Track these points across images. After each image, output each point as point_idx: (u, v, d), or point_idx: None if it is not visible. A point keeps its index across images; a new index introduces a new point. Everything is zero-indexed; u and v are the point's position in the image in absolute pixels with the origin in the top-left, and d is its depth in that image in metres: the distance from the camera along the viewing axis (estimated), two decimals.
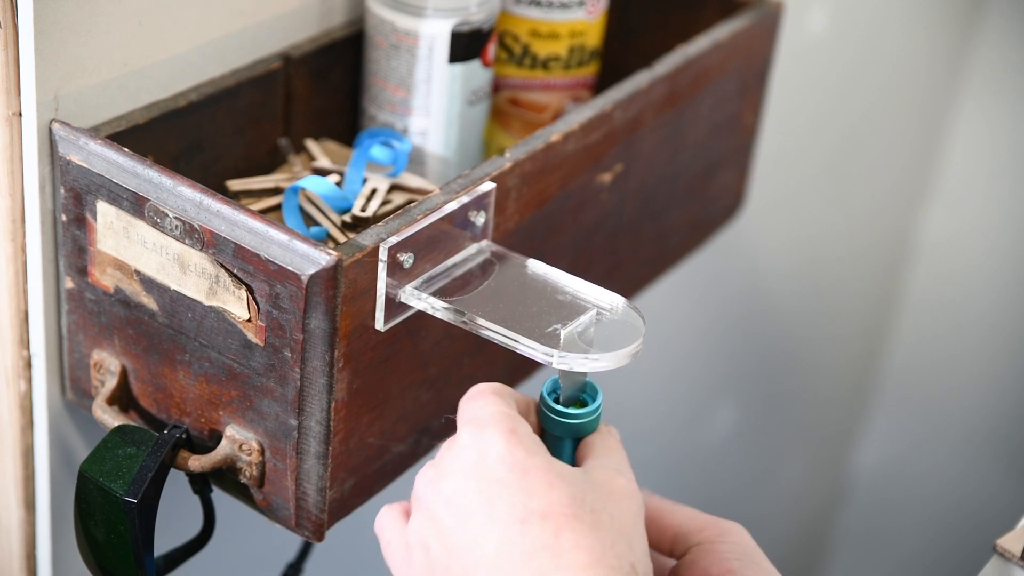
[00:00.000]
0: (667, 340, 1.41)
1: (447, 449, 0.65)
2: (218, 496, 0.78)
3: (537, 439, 0.65)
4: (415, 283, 0.72)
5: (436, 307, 0.71)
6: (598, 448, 0.68)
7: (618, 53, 1.00)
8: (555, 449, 0.69)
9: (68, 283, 0.76)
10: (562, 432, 0.69)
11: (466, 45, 0.84)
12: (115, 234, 0.73)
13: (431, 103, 0.85)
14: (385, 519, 0.67)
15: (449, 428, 0.68)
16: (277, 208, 0.81)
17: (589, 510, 0.62)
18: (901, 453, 2.02)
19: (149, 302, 0.73)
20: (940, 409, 1.97)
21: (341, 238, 0.78)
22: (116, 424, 0.75)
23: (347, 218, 0.79)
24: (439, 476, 0.65)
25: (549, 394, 0.69)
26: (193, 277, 0.70)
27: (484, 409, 0.65)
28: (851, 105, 1.57)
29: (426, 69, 0.84)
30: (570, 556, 0.61)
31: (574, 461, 0.70)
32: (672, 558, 0.74)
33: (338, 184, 0.82)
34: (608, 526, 0.63)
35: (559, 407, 0.69)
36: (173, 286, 0.72)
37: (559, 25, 0.89)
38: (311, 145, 0.86)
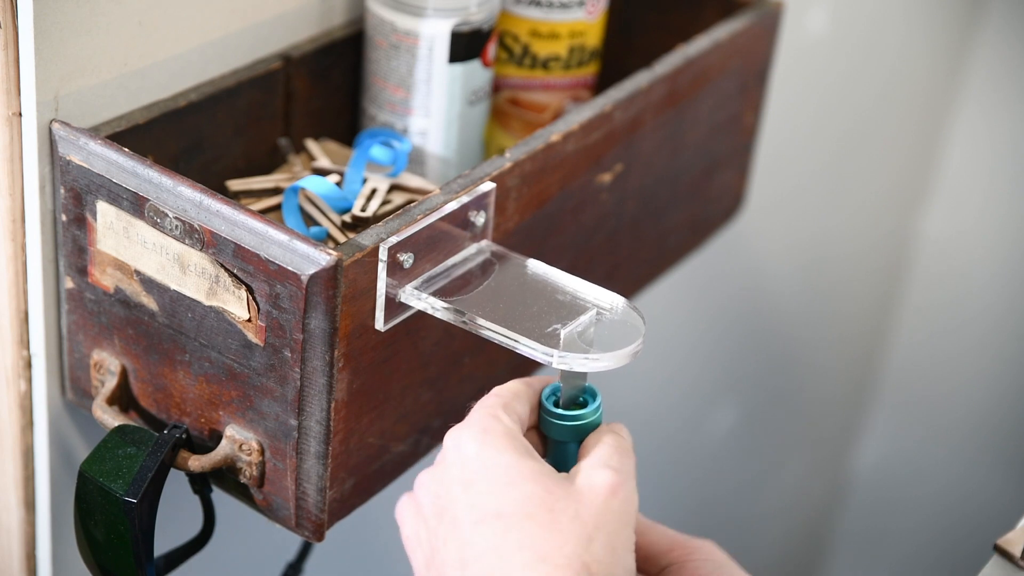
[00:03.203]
0: (667, 340, 1.41)
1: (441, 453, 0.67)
2: (218, 496, 0.78)
3: (516, 437, 0.66)
4: (415, 283, 0.72)
5: (436, 307, 0.71)
6: (592, 443, 0.68)
7: (618, 53, 1.00)
8: (560, 454, 0.69)
9: (68, 283, 0.76)
10: (564, 436, 0.69)
11: (466, 45, 0.84)
12: (115, 234, 0.72)
13: (431, 103, 0.85)
14: (405, 510, 0.68)
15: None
16: (277, 208, 0.81)
17: (547, 510, 0.63)
18: (901, 453, 2.02)
19: (149, 302, 0.73)
20: (940, 409, 1.97)
21: (341, 238, 0.78)
22: (116, 424, 0.75)
23: (347, 218, 0.79)
24: (429, 480, 0.66)
25: (548, 398, 0.70)
26: (193, 277, 0.70)
27: (474, 412, 0.67)
28: (851, 105, 1.57)
29: (426, 69, 0.84)
30: (514, 556, 0.62)
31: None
32: None
33: (338, 184, 0.82)
34: (564, 526, 0.63)
35: (557, 410, 0.69)
36: (173, 286, 0.72)
37: (559, 25, 0.89)
38: (311, 145, 0.86)
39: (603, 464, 0.66)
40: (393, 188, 0.83)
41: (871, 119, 1.63)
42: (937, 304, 1.91)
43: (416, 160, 0.86)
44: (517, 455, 0.64)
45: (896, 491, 2.04)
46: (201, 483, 0.77)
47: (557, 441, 0.69)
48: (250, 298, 0.69)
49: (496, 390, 0.68)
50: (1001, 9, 1.71)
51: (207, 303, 0.71)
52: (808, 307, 1.71)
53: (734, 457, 1.71)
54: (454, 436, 0.66)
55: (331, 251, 0.66)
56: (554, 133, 0.79)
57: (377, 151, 0.82)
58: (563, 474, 0.66)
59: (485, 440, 0.65)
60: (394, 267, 0.70)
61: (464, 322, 0.71)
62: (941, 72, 1.73)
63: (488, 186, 0.75)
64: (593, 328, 0.70)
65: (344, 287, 0.67)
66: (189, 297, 0.71)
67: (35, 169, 0.73)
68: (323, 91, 0.87)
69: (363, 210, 0.79)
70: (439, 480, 0.66)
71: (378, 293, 0.70)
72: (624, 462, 0.66)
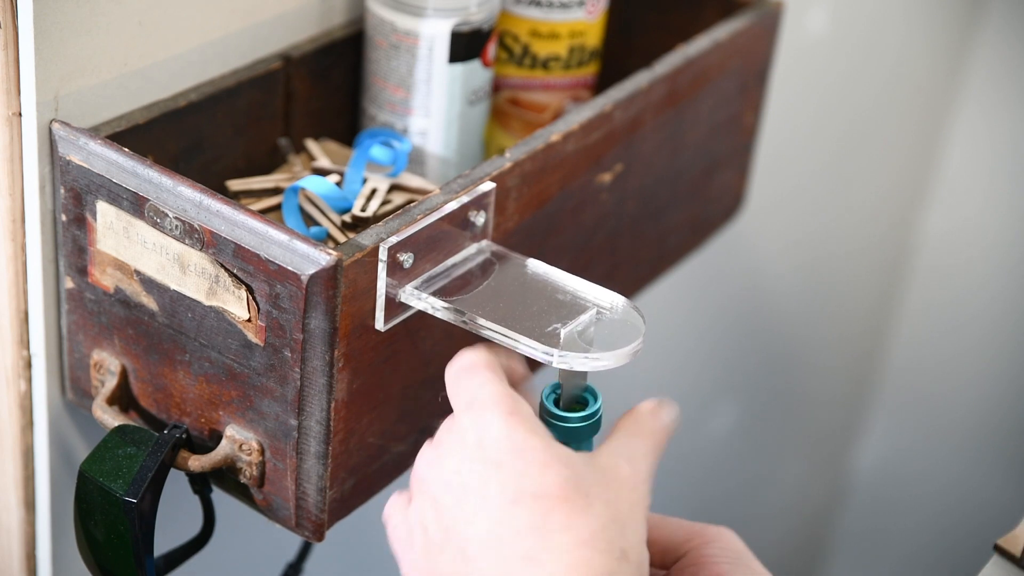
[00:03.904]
0: (667, 340, 1.41)
1: (447, 431, 0.66)
2: (218, 496, 0.78)
3: (536, 420, 0.65)
4: (415, 283, 0.72)
5: (436, 307, 0.71)
6: (621, 431, 0.68)
7: (618, 53, 1.00)
8: None
9: (68, 283, 0.76)
10: (564, 437, 0.69)
11: (466, 45, 0.84)
12: (115, 234, 0.73)
13: (431, 103, 0.85)
14: (392, 506, 0.68)
15: (446, 406, 0.68)
16: (277, 208, 0.81)
17: (583, 493, 0.63)
18: (901, 453, 2.02)
19: (149, 302, 0.73)
20: (940, 409, 1.97)
21: (341, 238, 0.78)
22: (116, 424, 0.75)
23: (347, 218, 0.79)
24: (439, 457, 0.65)
25: (547, 397, 0.69)
26: (193, 277, 0.70)
27: (483, 388, 0.66)
28: (851, 105, 1.57)
29: (426, 69, 0.84)
30: (557, 537, 0.62)
31: None
32: (663, 570, 0.74)
33: (338, 184, 0.82)
34: (600, 511, 0.63)
35: (558, 411, 0.69)
36: (173, 286, 0.72)
37: (559, 25, 0.89)
38: (311, 145, 0.86)
39: (627, 458, 0.66)
40: (393, 188, 0.83)
41: (871, 119, 1.63)
42: (937, 304, 1.91)
43: (416, 160, 0.86)
44: (545, 438, 0.64)
45: (896, 491, 2.04)
46: (201, 483, 0.77)
47: (557, 441, 0.69)
48: (250, 298, 0.69)
49: (482, 362, 0.67)
50: (1001, 9, 1.71)
51: (207, 303, 0.71)
52: (808, 307, 1.71)
53: (734, 457, 1.71)
54: (474, 418, 0.65)
55: (331, 251, 0.66)
56: (554, 133, 0.79)
57: (377, 151, 0.82)
58: (585, 453, 0.65)
59: (512, 422, 0.64)
60: (394, 267, 0.70)
61: (464, 322, 0.71)
62: (941, 72, 1.73)
63: (488, 186, 0.75)
64: (593, 327, 0.70)
65: (344, 287, 0.67)
66: (189, 297, 0.71)
67: (35, 169, 0.73)
68: (323, 91, 0.87)
69: (363, 210, 0.79)
70: (458, 459, 0.64)
71: (378, 293, 0.70)
72: (647, 460, 0.66)
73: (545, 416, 0.69)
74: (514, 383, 0.71)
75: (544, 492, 0.62)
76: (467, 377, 0.67)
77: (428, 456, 0.66)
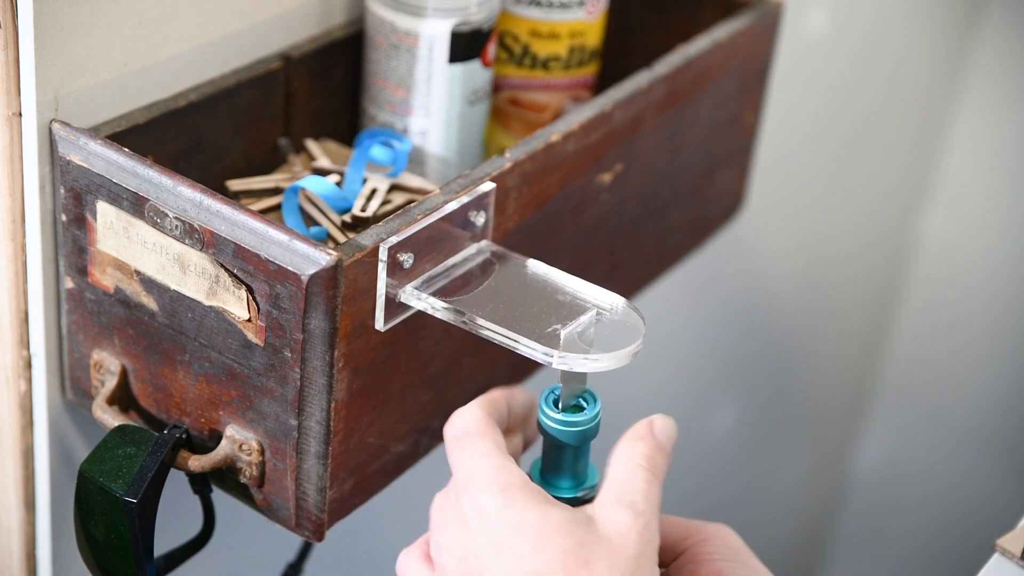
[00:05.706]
0: (667, 340, 1.41)
1: (452, 510, 0.66)
2: (218, 496, 0.78)
3: (532, 486, 0.65)
4: (415, 283, 0.72)
5: (436, 307, 0.71)
6: (616, 469, 0.67)
7: (618, 53, 1.00)
8: (560, 459, 0.69)
9: (68, 283, 0.76)
10: (563, 439, 0.69)
11: (466, 45, 0.84)
12: (115, 234, 0.73)
13: (431, 103, 0.85)
14: (408, 567, 0.68)
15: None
16: (277, 208, 0.81)
17: (584, 561, 0.62)
18: (901, 453, 2.02)
19: (149, 302, 0.73)
20: (940, 409, 1.97)
21: (341, 238, 0.78)
22: (116, 424, 0.75)
23: (347, 218, 0.79)
24: (449, 540, 0.65)
25: (546, 400, 0.69)
26: (193, 277, 0.70)
27: (475, 463, 0.66)
28: (851, 105, 1.57)
29: (426, 69, 0.84)
30: None
31: (585, 466, 0.69)
32: (661, 568, 0.74)
33: (338, 184, 0.82)
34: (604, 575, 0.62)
35: (556, 415, 0.69)
36: (173, 286, 0.72)
37: (559, 25, 0.89)
38: (311, 145, 0.86)
39: (628, 503, 0.65)
40: (393, 188, 0.83)
41: (871, 119, 1.63)
42: (937, 304, 1.91)
43: (416, 160, 0.86)
44: (541, 508, 0.64)
45: (896, 491, 2.04)
46: (201, 483, 0.77)
47: (555, 444, 0.69)
48: (250, 298, 0.69)
49: (474, 428, 0.67)
50: (1001, 9, 1.71)
51: (207, 303, 0.71)
52: (808, 307, 1.71)
53: (734, 457, 1.72)
54: (472, 500, 0.65)
55: (331, 251, 0.66)
56: (554, 133, 0.79)
57: (377, 151, 0.82)
58: (585, 511, 0.65)
59: (507, 499, 0.64)
60: (394, 267, 0.70)
61: (464, 322, 0.71)
62: (941, 72, 1.73)
63: (488, 186, 0.75)
64: (593, 328, 0.70)
65: (344, 287, 0.67)
66: (189, 297, 0.71)
67: (35, 169, 0.73)
68: (323, 91, 0.87)
69: (363, 210, 0.79)
70: (464, 544, 0.64)
71: (378, 293, 0.70)
72: (651, 493, 0.66)
73: (543, 419, 0.69)
74: (516, 421, 0.71)
75: (541, 570, 0.62)
76: (461, 448, 0.67)
77: (438, 539, 0.66)
